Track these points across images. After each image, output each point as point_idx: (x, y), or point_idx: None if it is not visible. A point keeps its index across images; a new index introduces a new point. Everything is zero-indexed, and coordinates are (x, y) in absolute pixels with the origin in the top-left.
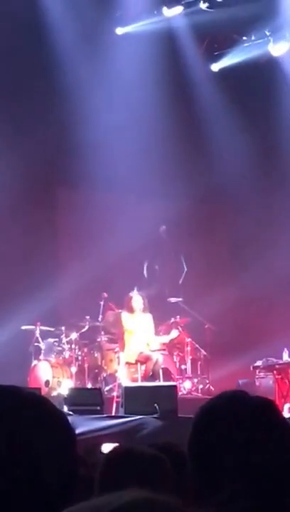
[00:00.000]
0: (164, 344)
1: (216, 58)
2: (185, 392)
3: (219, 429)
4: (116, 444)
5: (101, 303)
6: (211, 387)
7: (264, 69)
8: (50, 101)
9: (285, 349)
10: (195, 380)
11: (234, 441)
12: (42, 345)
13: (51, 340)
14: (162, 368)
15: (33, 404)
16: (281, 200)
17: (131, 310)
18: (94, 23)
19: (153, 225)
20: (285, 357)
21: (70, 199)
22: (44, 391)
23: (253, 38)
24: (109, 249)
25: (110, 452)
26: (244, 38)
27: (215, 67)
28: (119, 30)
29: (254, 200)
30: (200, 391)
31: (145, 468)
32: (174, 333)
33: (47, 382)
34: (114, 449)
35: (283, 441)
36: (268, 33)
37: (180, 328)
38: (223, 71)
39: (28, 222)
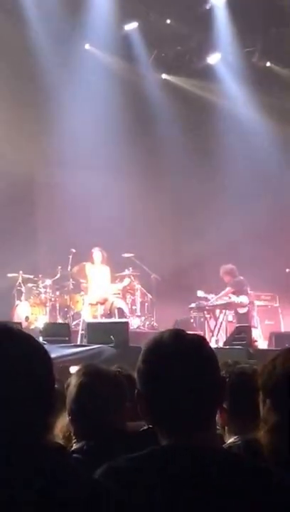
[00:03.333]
0: (119, 290)
1: (165, 67)
2: (135, 327)
3: (161, 359)
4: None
5: (70, 256)
6: (155, 324)
7: (203, 76)
8: (33, 97)
9: (213, 295)
10: (143, 318)
11: (172, 368)
12: (23, 289)
13: (30, 285)
14: (117, 308)
15: (21, 337)
16: (213, 174)
17: (92, 262)
18: (68, 39)
19: (112, 194)
20: (212, 300)
21: (49, 172)
22: (24, 325)
23: (193, 45)
24: (79, 215)
25: (81, 371)
26: (185, 48)
27: (164, 75)
28: (87, 46)
29: (191, 173)
30: (146, 327)
31: (117, 384)
32: (126, 281)
33: (27, 318)
34: (85, 367)
35: (212, 368)
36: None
37: (132, 278)
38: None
39: (12, 195)
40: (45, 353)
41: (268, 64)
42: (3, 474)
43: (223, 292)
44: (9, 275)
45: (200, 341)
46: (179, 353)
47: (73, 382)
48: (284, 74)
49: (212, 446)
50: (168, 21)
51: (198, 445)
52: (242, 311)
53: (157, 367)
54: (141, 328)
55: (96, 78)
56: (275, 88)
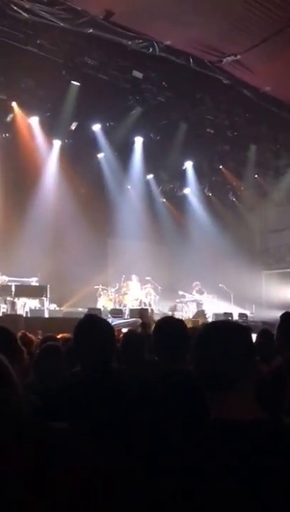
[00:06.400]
0: (144, 293)
1: (164, 195)
2: (150, 310)
3: (161, 327)
4: (128, 329)
5: (122, 278)
6: (160, 309)
7: (181, 199)
8: (104, 204)
9: (187, 294)
10: (155, 306)
11: (166, 330)
12: (101, 293)
13: (104, 291)
14: (143, 302)
15: (100, 319)
16: (187, 240)
17: (132, 280)
18: (120, 183)
19: (141, 249)
20: (187, 297)
21: (113, 241)
22: (102, 310)
23: (177, 184)
24: (126, 259)
25: (125, 333)
26: (173, 186)
27: (164, 200)
28: (129, 186)
29: (176, 240)
30: (156, 311)
31: (140, 339)
32: (147, 290)
33: (103, 307)
34: (127, 331)
35: (184, 331)
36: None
37: (150, 288)
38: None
39: (96, 248)
40: (109, 324)
41: (210, 194)
42: (98, 378)
43: (193, 295)
44: (95, 286)
45: (180, 321)
46: (169, 324)
47: (122, 336)
48: (215, 200)
49: (185, 368)
50: (166, 175)
51: (179, 367)
52: (200, 303)
53: (160, 330)
54: (154, 311)
55: (134, 201)
56: (214, 207)
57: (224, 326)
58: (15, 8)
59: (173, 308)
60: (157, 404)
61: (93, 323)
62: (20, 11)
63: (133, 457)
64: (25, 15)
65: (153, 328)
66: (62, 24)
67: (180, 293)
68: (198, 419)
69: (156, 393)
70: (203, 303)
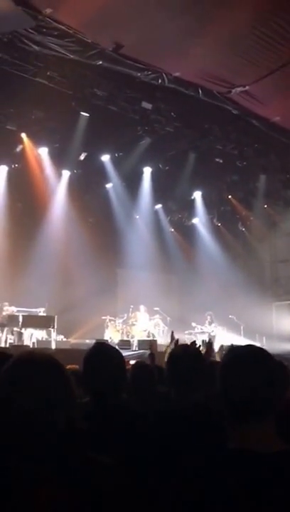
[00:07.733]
0: (153, 324)
1: (173, 225)
2: (159, 343)
3: (177, 358)
4: (137, 361)
5: (130, 309)
6: (168, 341)
7: (190, 229)
8: (112, 235)
9: (199, 325)
10: (163, 338)
11: (182, 361)
12: (109, 324)
13: (112, 322)
14: (152, 334)
15: (110, 347)
16: (196, 270)
17: (140, 311)
18: (129, 212)
19: (149, 280)
20: (197, 329)
21: (122, 270)
22: (109, 341)
23: (186, 214)
24: (134, 289)
25: (134, 364)
26: (182, 216)
27: (172, 229)
28: (137, 216)
29: (185, 271)
30: (164, 343)
31: (150, 370)
32: (156, 321)
33: (110, 338)
34: (136, 363)
35: (201, 360)
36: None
37: (158, 319)
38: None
39: (104, 278)
40: (121, 354)
41: (219, 224)
42: (109, 409)
43: (206, 326)
44: (102, 317)
45: (196, 350)
46: (186, 355)
47: (131, 368)
48: (224, 231)
49: (201, 399)
50: (174, 205)
51: (195, 398)
52: (212, 334)
53: (174, 362)
54: (162, 343)
55: (142, 231)
56: (223, 237)
57: (251, 354)
58: (25, 40)
59: (182, 341)
60: (173, 436)
61: (103, 351)
62: (31, 44)
63: (146, 491)
64: (36, 47)
65: (166, 358)
66: (71, 56)
67: (193, 324)
68: (216, 451)
69: (172, 425)
70: (215, 334)
